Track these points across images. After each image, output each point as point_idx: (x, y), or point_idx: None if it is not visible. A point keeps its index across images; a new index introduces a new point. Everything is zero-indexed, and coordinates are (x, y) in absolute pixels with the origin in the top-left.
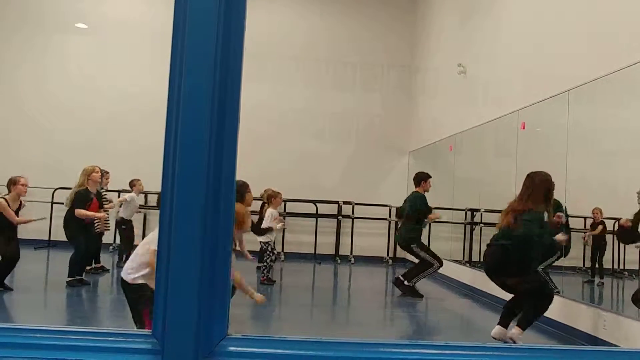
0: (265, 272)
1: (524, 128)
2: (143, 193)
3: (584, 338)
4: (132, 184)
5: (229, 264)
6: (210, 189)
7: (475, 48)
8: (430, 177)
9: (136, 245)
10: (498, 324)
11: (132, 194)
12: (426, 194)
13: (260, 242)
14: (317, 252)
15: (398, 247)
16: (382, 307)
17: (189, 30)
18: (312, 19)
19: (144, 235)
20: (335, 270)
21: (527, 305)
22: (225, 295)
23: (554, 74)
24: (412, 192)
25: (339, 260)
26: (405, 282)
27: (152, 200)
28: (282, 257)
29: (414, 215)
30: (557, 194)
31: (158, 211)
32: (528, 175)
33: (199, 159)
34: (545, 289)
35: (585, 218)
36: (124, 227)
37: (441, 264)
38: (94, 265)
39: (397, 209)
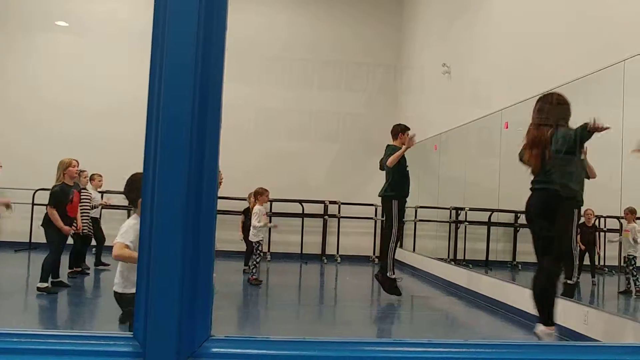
0: (254, 271)
1: (507, 127)
2: (106, 192)
3: (566, 333)
4: (91, 178)
5: (212, 265)
6: (192, 191)
7: (459, 48)
8: (408, 129)
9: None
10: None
11: (91, 190)
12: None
13: (252, 241)
14: (303, 252)
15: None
16: (369, 306)
17: (169, 30)
18: (297, 18)
19: None
20: (321, 269)
21: (538, 290)
22: (208, 296)
23: (537, 74)
24: (388, 146)
25: (325, 260)
26: (386, 273)
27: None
28: (269, 257)
29: (391, 170)
30: None
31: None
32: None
33: (179, 159)
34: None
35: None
36: (97, 226)
37: (399, 238)
38: (74, 269)
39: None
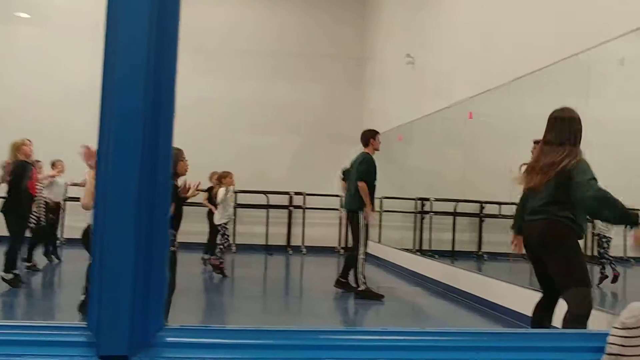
0: (219, 255)
1: (471, 117)
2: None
3: (528, 321)
4: (53, 165)
5: (166, 257)
6: (145, 184)
7: (423, 39)
8: (378, 133)
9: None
10: None
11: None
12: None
13: (218, 225)
14: (268, 243)
15: (349, 237)
16: (334, 297)
17: (121, 25)
18: (261, 10)
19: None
20: (287, 261)
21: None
22: (162, 286)
23: (499, 65)
24: (361, 154)
25: (290, 251)
26: (359, 288)
27: None
28: (234, 248)
29: (361, 182)
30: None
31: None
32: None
33: (132, 152)
34: (586, 284)
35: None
36: (52, 216)
37: (366, 249)
38: (32, 262)
39: (343, 171)
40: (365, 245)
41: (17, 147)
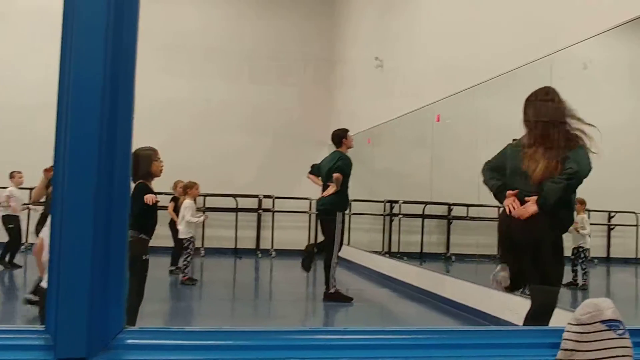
0: (185, 271)
1: (438, 120)
2: (25, 188)
3: (491, 320)
4: (11, 176)
5: (125, 256)
6: (103, 182)
7: (391, 42)
8: (348, 130)
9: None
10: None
11: (11, 188)
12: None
13: (182, 238)
14: (237, 247)
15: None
16: (304, 300)
17: (77, 24)
18: (230, 11)
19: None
20: (256, 264)
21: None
22: (121, 287)
23: (467, 68)
24: (334, 152)
25: (260, 255)
26: (329, 291)
27: None
28: (203, 252)
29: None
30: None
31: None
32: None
33: (89, 149)
34: (557, 284)
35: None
36: (11, 225)
37: (340, 250)
38: None
39: (312, 165)
40: (339, 249)
41: None
